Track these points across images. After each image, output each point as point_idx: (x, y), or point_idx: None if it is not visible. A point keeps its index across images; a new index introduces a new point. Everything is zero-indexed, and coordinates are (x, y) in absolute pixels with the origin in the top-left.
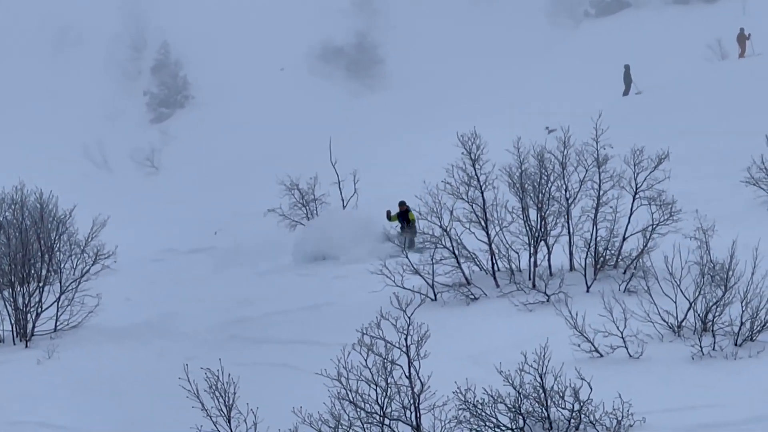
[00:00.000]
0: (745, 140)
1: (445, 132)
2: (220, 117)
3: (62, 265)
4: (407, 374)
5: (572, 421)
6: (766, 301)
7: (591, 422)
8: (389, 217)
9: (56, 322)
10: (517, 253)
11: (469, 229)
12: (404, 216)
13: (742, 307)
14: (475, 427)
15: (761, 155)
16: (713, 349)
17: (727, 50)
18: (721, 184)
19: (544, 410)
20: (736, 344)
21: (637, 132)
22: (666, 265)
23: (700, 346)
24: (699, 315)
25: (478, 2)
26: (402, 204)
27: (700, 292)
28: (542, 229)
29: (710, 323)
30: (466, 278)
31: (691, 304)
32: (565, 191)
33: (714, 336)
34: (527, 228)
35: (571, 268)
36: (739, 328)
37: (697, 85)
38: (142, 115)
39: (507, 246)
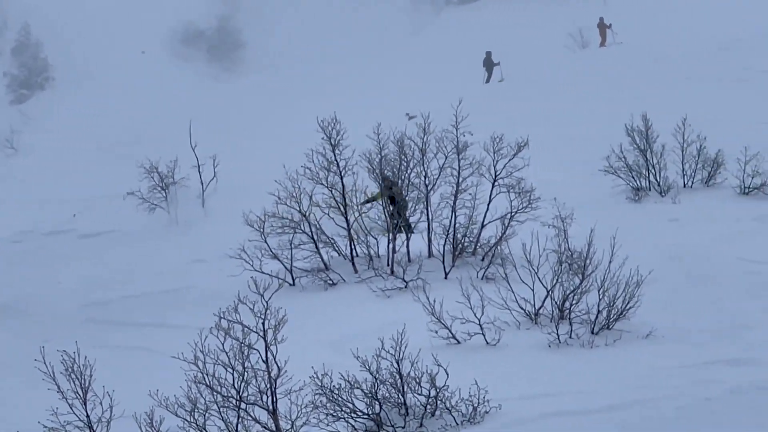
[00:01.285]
0: (604, 128)
1: (306, 117)
2: (82, 99)
3: None
4: (264, 359)
5: (428, 407)
6: (622, 289)
7: (447, 408)
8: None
9: None
10: (376, 239)
11: (329, 215)
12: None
13: (599, 295)
14: (332, 412)
15: (620, 144)
16: (570, 337)
17: (588, 39)
18: (580, 172)
19: (400, 396)
20: (592, 332)
21: (497, 119)
22: (524, 252)
23: (557, 334)
24: (556, 303)
25: None
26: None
27: (557, 280)
28: (401, 215)
29: (567, 311)
30: (325, 263)
31: (548, 292)
32: (425, 178)
33: (571, 324)
34: (386, 214)
35: (430, 254)
36: (596, 317)
37: (558, 72)
38: (1, 97)
39: (366, 232)
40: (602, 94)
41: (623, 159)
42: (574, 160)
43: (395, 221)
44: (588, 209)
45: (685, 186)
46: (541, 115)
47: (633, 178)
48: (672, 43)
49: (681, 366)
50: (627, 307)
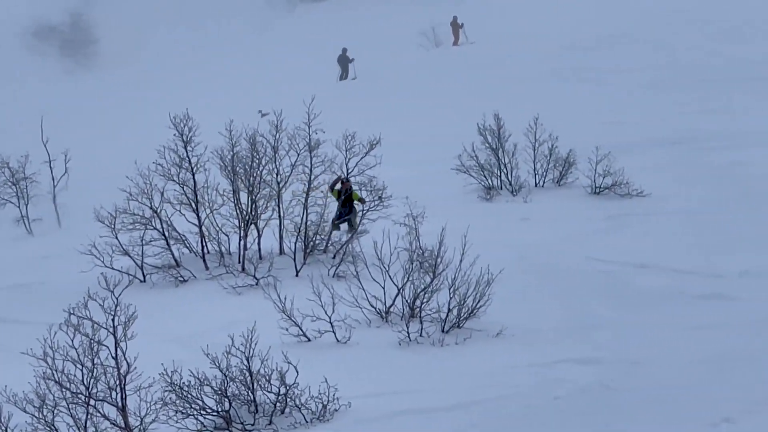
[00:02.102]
0: (457, 127)
1: (158, 113)
2: None
3: None
4: (114, 355)
5: (278, 404)
6: (473, 288)
7: (297, 406)
8: (332, 190)
9: None
10: (227, 235)
11: (180, 211)
12: (348, 194)
13: (450, 294)
14: (181, 409)
15: (472, 143)
16: (420, 336)
17: (441, 38)
18: (433, 171)
19: (250, 393)
20: (443, 331)
21: (350, 117)
22: (375, 250)
23: (408, 332)
24: (407, 301)
25: None
26: (345, 180)
27: (408, 278)
28: (253, 213)
29: (418, 309)
30: (176, 260)
31: (399, 290)
32: (277, 175)
33: (422, 322)
34: (238, 211)
35: (281, 251)
36: (447, 315)
37: (412, 71)
38: None
39: (217, 229)
40: (455, 93)
41: (475, 158)
42: (426, 159)
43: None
44: (440, 208)
45: (536, 185)
46: (393, 114)
47: (485, 177)
48: (522, 44)
49: (530, 365)
50: (477, 306)
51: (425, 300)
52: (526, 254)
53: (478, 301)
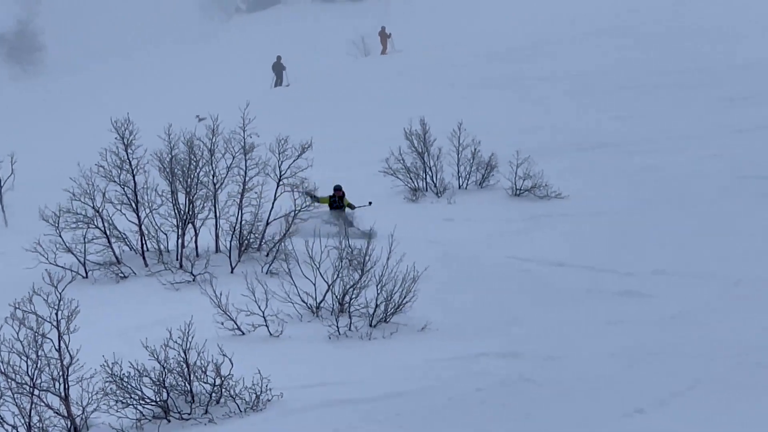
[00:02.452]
0: (385, 132)
1: (101, 117)
2: None
3: None
4: (57, 347)
5: (213, 394)
6: (399, 285)
7: (231, 396)
8: (314, 197)
9: None
10: (166, 234)
11: (121, 211)
12: (339, 200)
13: (377, 290)
14: (121, 398)
15: (399, 147)
16: (349, 330)
17: (370, 47)
18: (362, 173)
19: (187, 384)
20: (371, 325)
21: (283, 121)
22: (306, 248)
23: (337, 327)
24: (337, 297)
25: None
26: (338, 188)
27: (338, 275)
28: (190, 212)
29: (347, 305)
30: (117, 257)
31: (329, 287)
32: (213, 177)
33: (350, 317)
34: (176, 211)
35: (217, 249)
36: (374, 310)
37: (342, 78)
38: None
39: (156, 228)
40: (383, 100)
41: (402, 161)
42: (355, 162)
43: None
44: (368, 208)
45: (460, 187)
46: (325, 119)
47: (411, 179)
48: (448, 52)
49: (454, 358)
50: (404, 302)
51: (354, 296)
52: (450, 253)
53: (404, 297)
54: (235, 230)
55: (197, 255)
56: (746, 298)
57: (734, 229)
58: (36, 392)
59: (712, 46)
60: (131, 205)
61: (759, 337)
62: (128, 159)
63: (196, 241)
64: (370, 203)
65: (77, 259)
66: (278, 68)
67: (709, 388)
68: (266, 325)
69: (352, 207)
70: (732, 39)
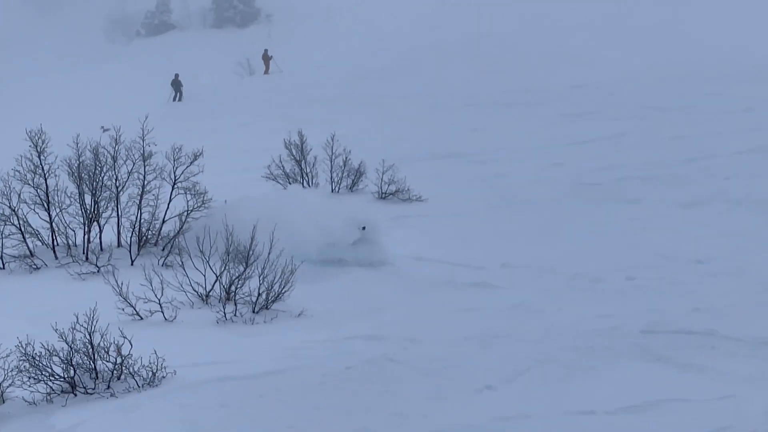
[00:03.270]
0: (267, 142)
1: (17, 129)
2: None
3: None
4: None
5: (115, 372)
6: (279, 276)
7: (131, 373)
8: None
9: None
10: (74, 231)
11: (34, 210)
12: None
13: (260, 281)
14: (33, 375)
15: (279, 155)
16: (235, 315)
17: (254, 68)
18: (247, 178)
19: (91, 362)
20: (254, 311)
21: (178, 132)
22: (198, 244)
23: (224, 313)
24: (224, 286)
25: (45, 13)
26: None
27: (225, 267)
28: (95, 212)
29: (233, 293)
30: (30, 251)
31: (217, 278)
32: (116, 180)
33: (236, 304)
34: (83, 210)
35: (119, 244)
36: (257, 298)
37: (229, 94)
38: None
39: (66, 225)
40: (266, 114)
41: (282, 167)
42: (241, 168)
43: None
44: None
45: (333, 191)
46: (215, 130)
47: (290, 183)
48: (324, 73)
49: (326, 340)
50: (282, 291)
51: (239, 285)
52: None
53: (283, 286)
54: (134, 227)
55: (101, 249)
56: (582, 289)
57: (572, 228)
58: None
59: (551, 70)
60: (43, 205)
61: (592, 323)
62: (41, 164)
63: (100, 237)
64: (363, 228)
65: None
66: (176, 85)
67: (549, 368)
68: (162, 311)
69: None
70: (566, 63)
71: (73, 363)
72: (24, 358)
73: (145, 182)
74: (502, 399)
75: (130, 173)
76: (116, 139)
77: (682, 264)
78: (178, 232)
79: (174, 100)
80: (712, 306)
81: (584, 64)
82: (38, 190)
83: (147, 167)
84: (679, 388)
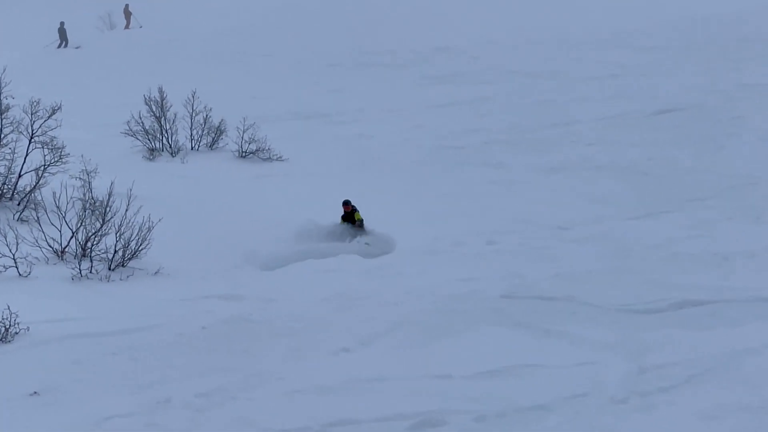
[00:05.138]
0: (128, 98)
1: None
2: None
3: None
4: None
5: None
6: (136, 233)
7: None
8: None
9: None
10: None
11: None
12: (350, 217)
13: (116, 237)
14: None
15: (139, 111)
16: (90, 272)
17: (115, 22)
18: (106, 134)
19: None
20: (110, 269)
21: (36, 86)
22: (54, 199)
23: (80, 269)
24: (80, 243)
25: None
26: (347, 204)
27: (81, 223)
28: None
29: (89, 250)
30: None
31: (73, 234)
32: None
33: (92, 261)
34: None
35: None
36: (113, 256)
37: (89, 49)
38: None
39: None
40: (126, 69)
41: (141, 124)
42: (101, 124)
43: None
44: (110, 165)
45: (192, 149)
46: (74, 85)
47: (149, 140)
48: (183, 29)
49: (182, 299)
50: (139, 249)
51: (95, 242)
52: (182, 206)
53: (140, 244)
54: None
55: None
56: (442, 252)
57: (434, 191)
58: None
59: (416, 32)
60: None
61: (453, 287)
62: None
63: None
64: (367, 244)
65: None
66: (62, 33)
67: (407, 331)
68: (16, 266)
69: (359, 225)
70: (431, 25)
71: None
72: None
73: (2, 136)
74: (358, 361)
75: None
76: None
77: (543, 229)
78: (35, 186)
79: (59, 47)
80: (573, 272)
81: (449, 27)
82: None
83: (4, 120)
84: (538, 354)
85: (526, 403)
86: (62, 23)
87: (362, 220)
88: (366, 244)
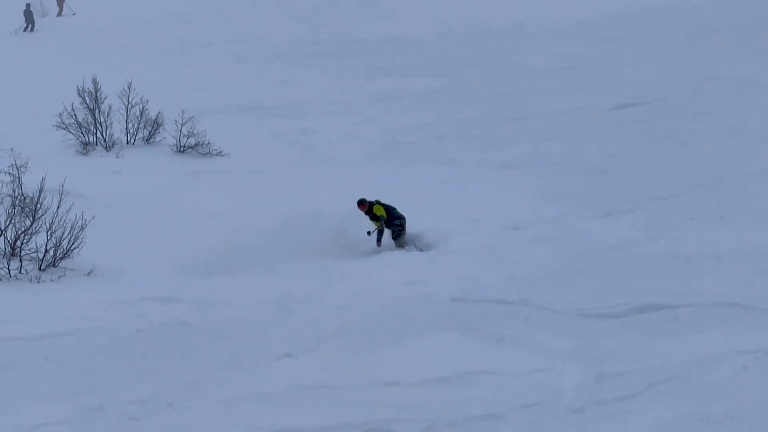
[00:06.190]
0: (60, 89)
1: None
2: None
3: None
4: None
5: None
6: (69, 232)
7: None
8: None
9: None
10: None
11: None
12: (375, 217)
13: (47, 236)
14: None
15: (72, 103)
16: (20, 272)
17: (47, 9)
18: (37, 127)
19: None
20: (40, 269)
21: None
22: None
23: (8, 269)
24: (9, 241)
25: None
26: (362, 203)
27: (11, 221)
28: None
29: (19, 249)
30: None
31: (1, 232)
32: None
33: (21, 261)
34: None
35: None
36: (44, 255)
37: (19, 36)
38: None
39: None
40: (58, 59)
41: (74, 116)
42: (31, 116)
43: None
44: (41, 160)
45: (128, 143)
46: (1, 74)
47: (82, 133)
48: (119, 16)
49: (117, 302)
50: (72, 248)
51: (25, 241)
52: (116, 203)
53: (73, 243)
54: None
55: None
56: (389, 253)
57: (383, 189)
58: None
59: (364, 22)
60: None
61: (401, 290)
62: None
63: None
64: (369, 233)
65: None
66: (28, 15)
67: (353, 336)
68: None
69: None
70: (379, 15)
71: None
72: None
73: None
74: (301, 368)
75: None
76: None
77: (497, 229)
78: None
79: (26, 30)
80: (528, 274)
81: (398, 17)
82: None
83: None
84: (490, 361)
85: (478, 411)
86: (28, 5)
87: (383, 216)
88: (368, 233)
